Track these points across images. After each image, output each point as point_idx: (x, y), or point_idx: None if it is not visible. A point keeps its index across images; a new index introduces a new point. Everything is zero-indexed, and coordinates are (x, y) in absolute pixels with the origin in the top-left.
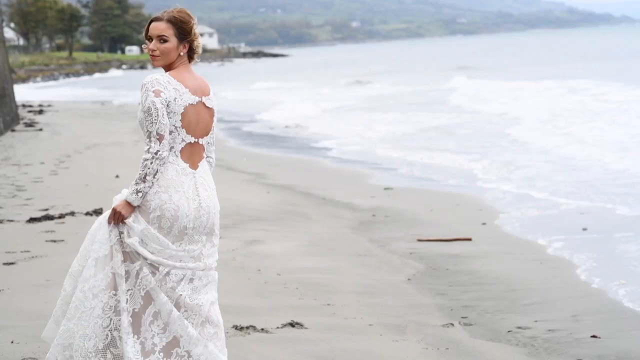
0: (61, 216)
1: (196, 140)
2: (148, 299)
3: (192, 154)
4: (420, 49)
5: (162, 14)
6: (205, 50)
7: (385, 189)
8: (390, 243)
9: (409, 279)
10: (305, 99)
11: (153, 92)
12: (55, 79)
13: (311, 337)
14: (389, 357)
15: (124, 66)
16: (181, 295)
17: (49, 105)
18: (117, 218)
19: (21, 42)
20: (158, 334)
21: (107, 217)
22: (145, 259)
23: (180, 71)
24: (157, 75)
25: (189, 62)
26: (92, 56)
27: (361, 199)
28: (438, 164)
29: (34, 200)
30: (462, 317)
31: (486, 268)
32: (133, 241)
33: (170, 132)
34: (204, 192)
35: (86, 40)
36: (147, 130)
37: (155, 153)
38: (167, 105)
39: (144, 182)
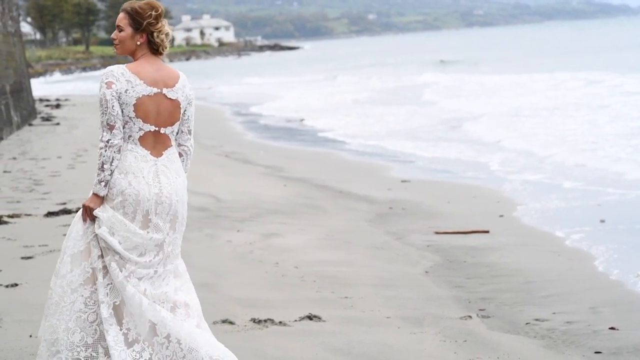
0: (78, 210)
1: (157, 129)
2: (121, 290)
3: (155, 143)
4: (435, 41)
5: (125, 5)
6: (221, 44)
7: (402, 181)
8: (407, 235)
9: (426, 272)
10: (312, 92)
11: (106, 83)
12: (71, 73)
13: (329, 330)
14: (407, 349)
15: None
16: (145, 289)
17: (66, 100)
18: (88, 212)
19: (38, 36)
20: (134, 323)
21: (81, 214)
22: (115, 253)
23: (140, 63)
24: (113, 67)
25: (156, 54)
26: (108, 50)
27: (378, 191)
28: (454, 156)
29: (51, 194)
30: (480, 310)
31: (504, 260)
32: (102, 231)
33: (126, 122)
34: (165, 179)
35: (103, 34)
36: (100, 120)
37: (107, 142)
38: (119, 97)
39: (103, 170)
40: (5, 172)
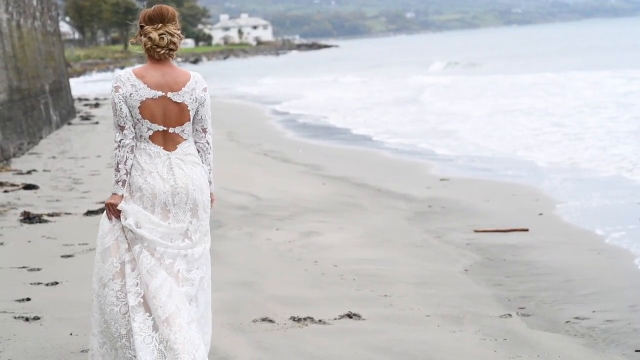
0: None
1: (166, 129)
2: (149, 278)
3: (165, 140)
4: (475, 39)
5: None
6: (259, 43)
7: (441, 179)
8: (446, 234)
9: (465, 270)
10: (346, 90)
11: (114, 87)
12: (111, 71)
13: (368, 328)
14: (446, 347)
15: (178, 59)
16: (179, 270)
17: (105, 99)
18: (111, 209)
19: (76, 35)
20: (161, 306)
21: (106, 213)
22: (143, 240)
23: (147, 67)
24: (121, 72)
25: (161, 58)
26: None
27: (417, 189)
28: (493, 154)
29: (91, 193)
30: (520, 308)
31: (543, 258)
32: (129, 222)
33: (135, 123)
34: (180, 171)
35: None
36: (113, 122)
37: (119, 142)
38: (125, 100)
39: (118, 170)
40: (45, 171)
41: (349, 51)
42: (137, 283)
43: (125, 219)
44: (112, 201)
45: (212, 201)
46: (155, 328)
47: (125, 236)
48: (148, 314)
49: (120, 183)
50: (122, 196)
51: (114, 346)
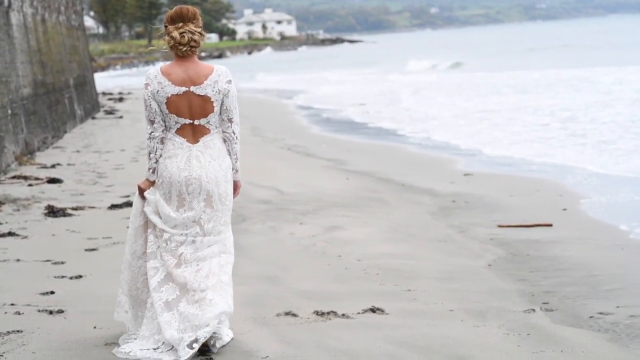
0: None
1: (192, 121)
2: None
3: (192, 132)
4: (497, 34)
5: None
6: (283, 37)
7: (465, 174)
8: (470, 229)
9: (489, 265)
10: (370, 84)
11: (145, 85)
12: (135, 67)
13: (392, 323)
14: (470, 342)
15: (202, 54)
16: (183, 253)
17: (129, 93)
18: (140, 192)
19: (101, 30)
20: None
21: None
22: (154, 226)
23: (172, 64)
24: (150, 70)
25: (184, 55)
26: None
27: (441, 184)
28: (517, 148)
29: (115, 187)
30: (543, 303)
31: (567, 253)
32: (147, 209)
33: (164, 117)
34: (197, 162)
35: None
36: (145, 116)
37: (150, 134)
38: (153, 96)
39: (149, 159)
40: (69, 164)
41: (377, 46)
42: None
43: (148, 205)
44: (142, 186)
45: (237, 188)
46: (176, 297)
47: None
48: (171, 284)
49: (151, 170)
50: (153, 182)
51: (140, 306)
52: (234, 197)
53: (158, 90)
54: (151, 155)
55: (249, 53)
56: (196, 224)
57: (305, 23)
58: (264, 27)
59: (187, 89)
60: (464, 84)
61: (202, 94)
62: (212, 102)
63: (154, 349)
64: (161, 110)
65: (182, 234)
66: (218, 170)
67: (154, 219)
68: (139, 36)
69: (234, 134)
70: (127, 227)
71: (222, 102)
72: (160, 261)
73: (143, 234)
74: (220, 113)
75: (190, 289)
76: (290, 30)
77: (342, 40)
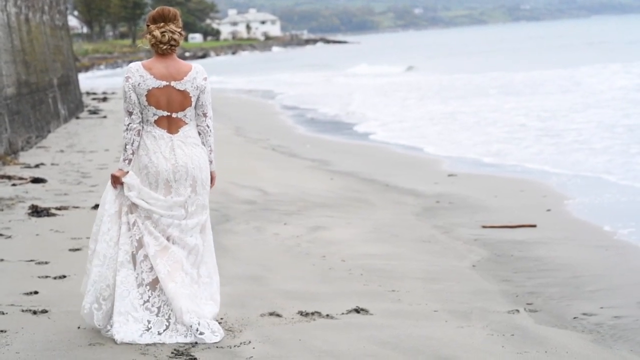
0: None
1: (169, 114)
2: (141, 243)
3: (169, 124)
4: (481, 35)
5: None
6: (267, 38)
7: (449, 175)
8: (454, 229)
9: (473, 265)
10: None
11: (125, 77)
12: (119, 66)
13: (376, 323)
14: (454, 343)
15: (187, 54)
16: (172, 234)
17: (113, 93)
18: (114, 181)
19: (85, 30)
20: (146, 271)
21: (110, 183)
22: (141, 210)
23: (152, 61)
24: (132, 64)
25: (165, 53)
26: None
27: (425, 185)
28: (500, 149)
29: (99, 186)
30: (528, 304)
31: (551, 254)
32: (131, 194)
33: (142, 109)
34: (181, 151)
35: None
36: (123, 108)
37: (128, 125)
38: (134, 89)
39: (125, 150)
40: (53, 164)
41: (363, 46)
42: (130, 243)
43: (130, 190)
44: (117, 174)
45: (212, 179)
46: (136, 286)
47: (127, 203)
48: (132, 270)
49: (127, 161)
50: (127, 172)
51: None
52: (210, 187)
53: (139, 83)
54: (127, 147)
55: (233, 53)
56: (182, 208)
57: (289, 23)
58: (248, 27)
59: (167, 83)
60: (444, 85)
61: (182, 89)
62: (191, 97)
63: (146, 330)
64: (139, 102)
65: (170, 216)
66: (200, 157)
67: (140, 202)
68: (123, 36)
69: (208, 127)
70: (100, 211)
71: (198, 97)
72: (153, 239)
73: (117, 221)
74: (195, 107)
75: (185, 271)
76: (275, 30)
77: (327, 41)
